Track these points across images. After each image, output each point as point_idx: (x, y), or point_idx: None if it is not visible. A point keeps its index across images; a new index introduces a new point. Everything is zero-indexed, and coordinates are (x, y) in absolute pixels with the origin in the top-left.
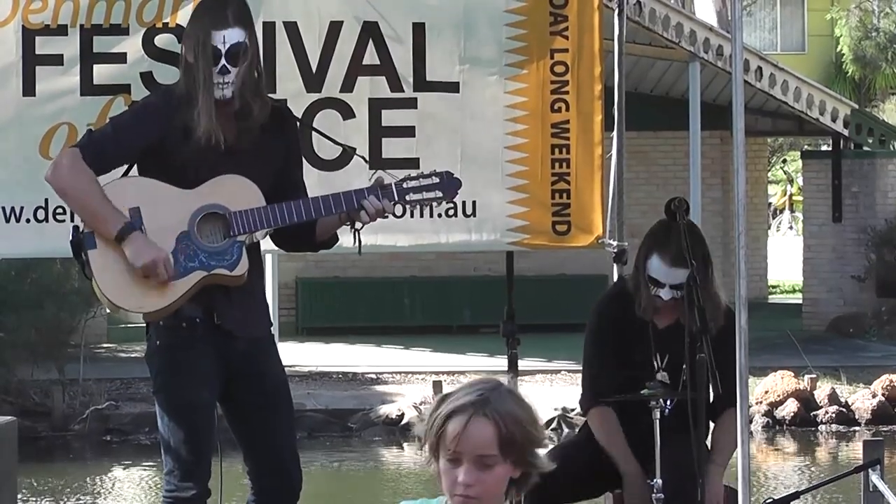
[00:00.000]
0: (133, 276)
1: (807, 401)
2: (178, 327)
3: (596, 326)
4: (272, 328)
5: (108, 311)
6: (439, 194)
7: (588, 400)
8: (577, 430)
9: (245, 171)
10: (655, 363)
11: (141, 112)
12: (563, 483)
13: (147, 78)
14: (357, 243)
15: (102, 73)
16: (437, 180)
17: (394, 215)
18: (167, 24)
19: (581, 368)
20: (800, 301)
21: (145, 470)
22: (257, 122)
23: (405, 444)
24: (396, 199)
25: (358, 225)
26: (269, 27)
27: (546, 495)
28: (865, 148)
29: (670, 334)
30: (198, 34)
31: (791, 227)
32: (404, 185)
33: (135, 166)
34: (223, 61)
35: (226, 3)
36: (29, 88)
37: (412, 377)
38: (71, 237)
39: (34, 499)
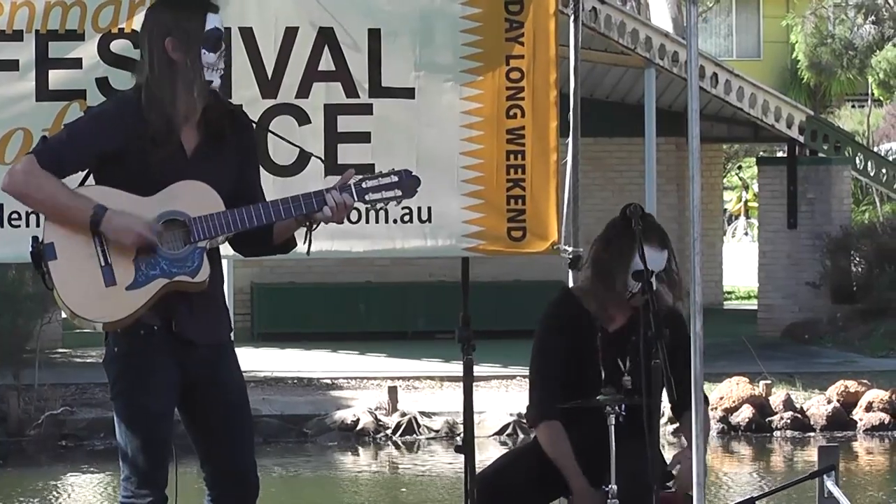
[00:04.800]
0: (94, 286)
1: (762, 407)
2: (136, 334)
3: (543, 337)
4: (231, 334)
5: (64, 316)
6: (398, 193)
7: (535, 415)
8: (532, 435)
9: (205, 177)
10: (620, 367)
11: (96, 119)
12: (513, 486)
13: (103, 83)
14: (307, 244)
15: (58, 78)
16: (395, 179)
17: (349, 221)
18: (123, 29)
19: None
20: (755, 307)
21: (102, 475)
22: (218, 127)
23: (361, 450)
24: (356, 198)
25: (315, 226)
26: (225, 33)
27: (497, 498)
28: (821, 154)
29: (620, 338)
30: (190, 22)
31: (746, 234)
32: (363, 185)
33: (91, 175)
34: (223, 46)
35: None
36: None
37: (368, 383)
38: (31, 248)
39: None
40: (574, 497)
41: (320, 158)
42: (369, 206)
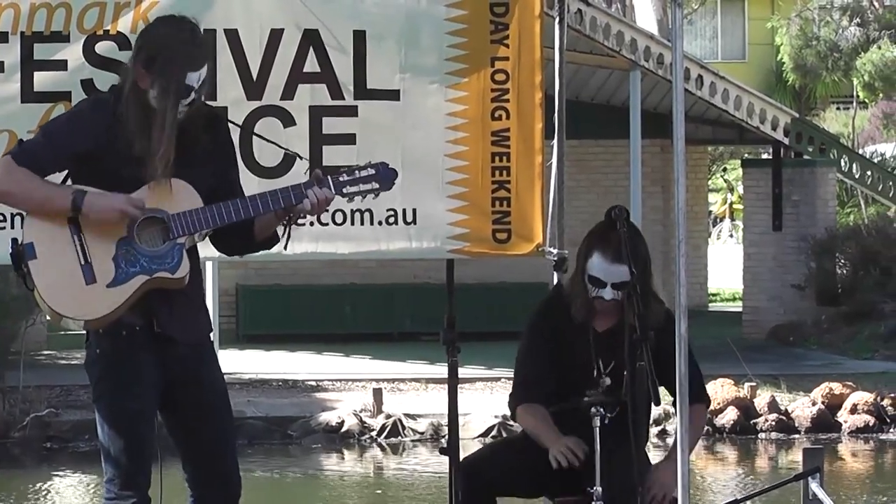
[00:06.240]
0: (75, 284)
1: (747, 409)
2: (118, 335)
3: (532, 330)
4: (211, 334)
5: (48, 319)
6: (376, 185)
7: (515, 399)
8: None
9: (182, 177)
10: (597, 368)
11: (72, 119)
12: (498, 473)
13: (88, 85)
14: (286, 238)
15: (43, 80)
16: (372, 171)
17: (334, 223)
18: (108, 31)
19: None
20: (740, 309)
21: (86, 477)
22: (191, 128)
23: (345, 452)
24: (334, 191)
25: (294, 220)
26: (210, 35)
27: (481, 482)
28: (805, 157)
29: (610, 339)
30: (172, 74)
31: (731, 236)
32: (341, 178)
33: (69, 178)
34: (193, 95)
35: (196, 39)
36: None
37: (353, 385)
38: (10, 250)
39: None
40: (550, 449)
41: (305, 158)
42: (348, 198)
